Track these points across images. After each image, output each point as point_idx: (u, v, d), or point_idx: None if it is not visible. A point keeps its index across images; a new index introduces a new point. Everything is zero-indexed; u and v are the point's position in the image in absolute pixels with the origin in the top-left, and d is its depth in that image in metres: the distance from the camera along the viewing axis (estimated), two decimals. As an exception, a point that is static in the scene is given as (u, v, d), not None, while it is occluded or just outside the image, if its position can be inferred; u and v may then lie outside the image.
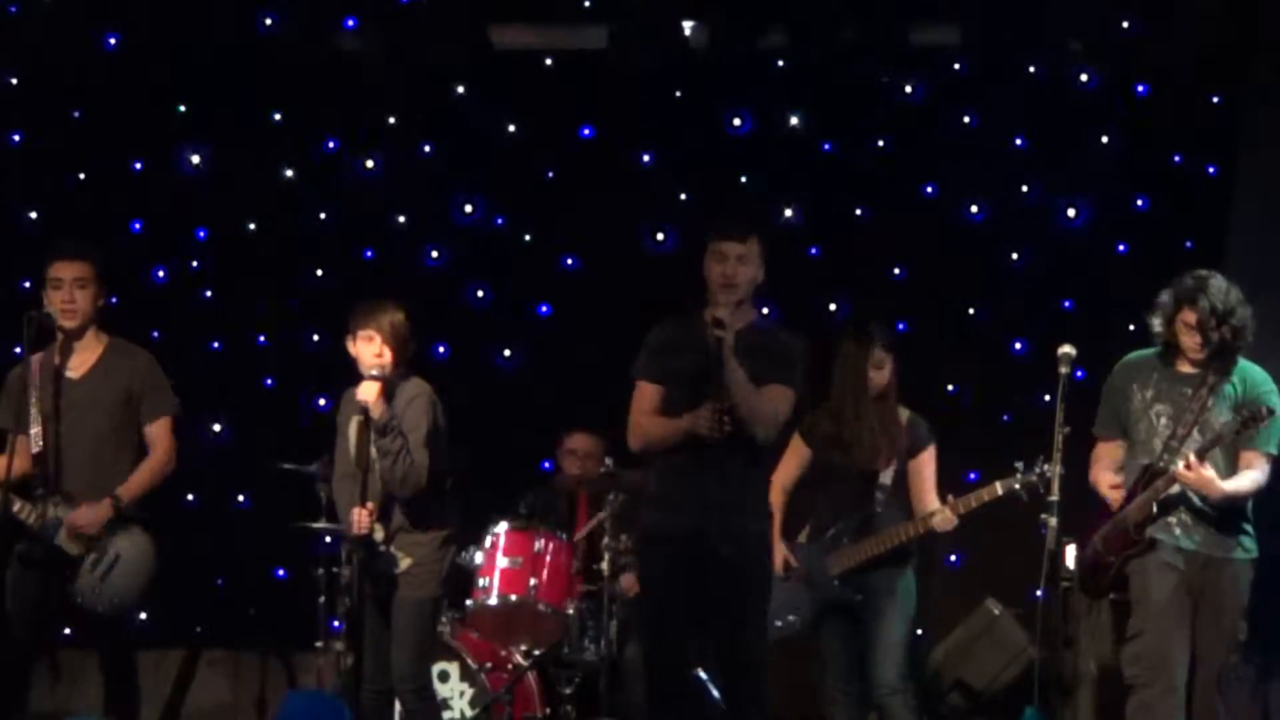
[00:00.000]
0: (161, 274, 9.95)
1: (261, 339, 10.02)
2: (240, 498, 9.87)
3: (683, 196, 9.89)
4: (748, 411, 6.38)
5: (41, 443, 7.12)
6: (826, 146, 9.83)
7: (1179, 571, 6.64)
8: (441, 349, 9.63)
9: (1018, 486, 7.18)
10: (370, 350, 7.01)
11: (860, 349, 7.42)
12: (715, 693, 7.91)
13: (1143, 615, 6.67)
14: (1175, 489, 6.59)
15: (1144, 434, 6.75)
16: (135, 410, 7.27)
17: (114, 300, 7.48)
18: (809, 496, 7.65)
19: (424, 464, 6.94)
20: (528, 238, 10.06)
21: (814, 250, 9.80)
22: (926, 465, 7.44)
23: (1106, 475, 6.80)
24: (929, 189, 9.79)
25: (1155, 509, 6.63)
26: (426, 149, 9.96)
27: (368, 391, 6.95)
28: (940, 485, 7.50)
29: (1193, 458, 6.49)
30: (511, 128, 9.95)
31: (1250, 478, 6.61)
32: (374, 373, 6.99)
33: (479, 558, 8.31)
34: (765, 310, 7.00)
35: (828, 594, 7.42)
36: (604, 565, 8.20)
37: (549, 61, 9.84)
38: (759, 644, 6.58)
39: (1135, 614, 6.72)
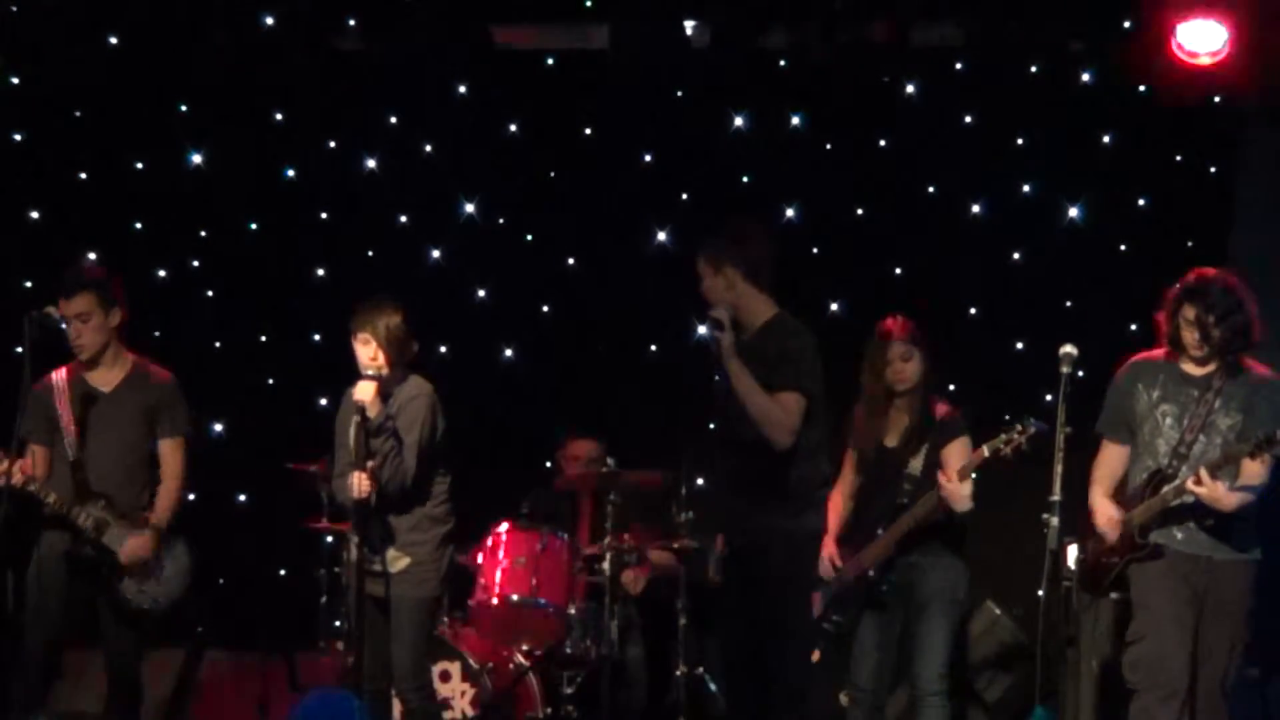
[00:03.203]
0: (162, 274, 9.96)
1: (262, 339, 10.03)
2: (240, 497, 9.88)
3: (683, 196, 9.90)
4: (755, 412, 6.42)
5: (77, 453, 7.35)
6: (827, 146, 9.84)
7: (1182, 576, 6.63)
8: (442, 349, 9.63)
9: (1002, 446, 7.15)
10: (366, 352, 7.04)
11: (879, 343, 7.43)
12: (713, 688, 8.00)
13: (1144, 620, 6.67)
14: (1184, 498, 6.59)
15: (1149, 434, 6.75)
16: (154, 426, 7.49)
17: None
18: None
19: (411, 466, 6.95)
20: (528, 238, 10.07)
21: (814, 250, 9.80)
22: (956, 454, 7.39)
23: (1106, 506, 6.79)
24: (929, 189, 9.80)
25: (1161, 515, 6.63)
26: (427, 149, 9.96)
27: (364, 392, 6.96)
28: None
29: (1204, 473, 6.49)
30: (512, 128, 9.96)
31: (1255, 483, 6.60)
32: (370, 373, 7.00)
33: (480, 557, 8.31)
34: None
35: (863, 587, 7.39)
36: (605, 565, 8.19)
37: (550, 61, 9.85)
38: (787, 644, 6.57)
39: (1136, 619, 6.71)
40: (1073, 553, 7.13)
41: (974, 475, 7.24)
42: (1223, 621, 6.63)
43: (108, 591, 7.35)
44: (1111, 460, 6.86)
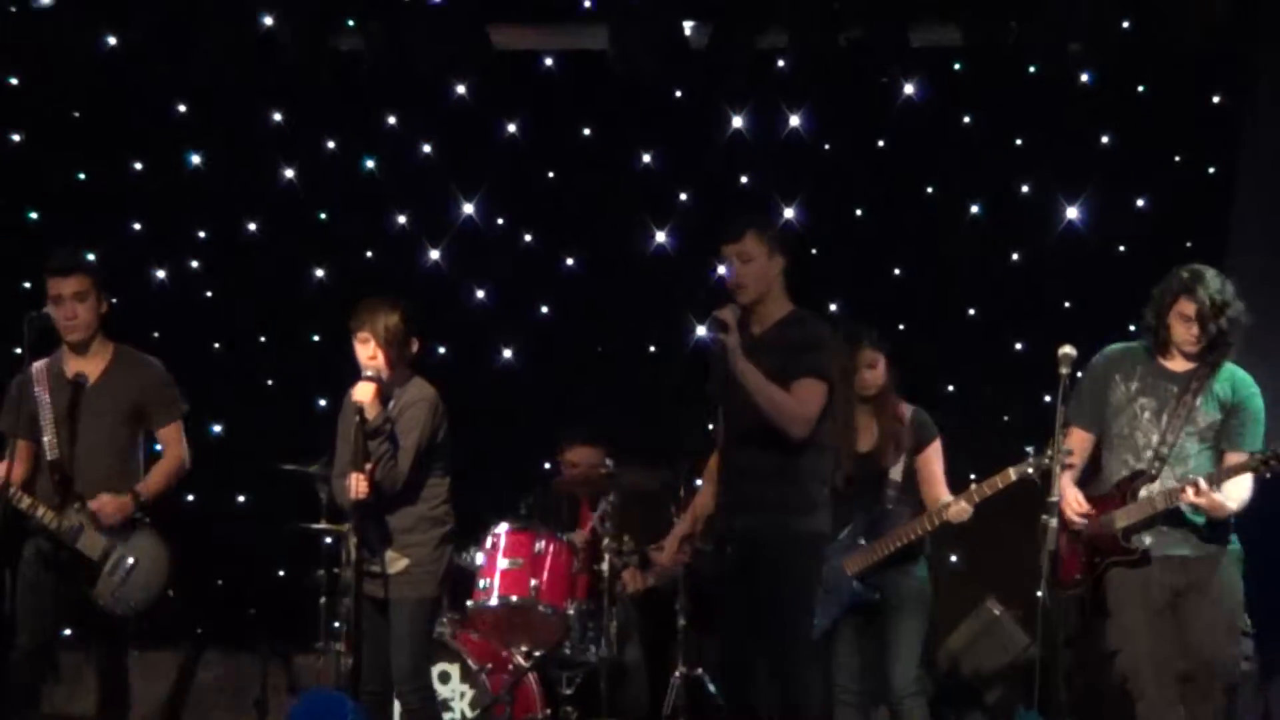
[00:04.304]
0: (161, 274, 9.97)
1: (261, 339, 10.03)
2: (240, 498, 9.88)
3: (683, 196, 9.90)
4: (768, 406, 6.38)
5: (56, 450, 7.22)
6: (826, 146, 9.84)
7: (1161, 581, 6.62)
8: (441, 349, 9.63)
9: (1030, 470, 7.15)
10: (365, 353, 7.02)
11: (848, 350, 7.40)
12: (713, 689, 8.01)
13: (1117, 633, 6.65)
14: (1175, 503, 6.58)
15: (1126, 428, 6.72)
16: (143, 419, 7.40)
17: (113, 300, 7.49)
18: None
19: (403, 471, 6.94)
20: (528, 238, 10.07)
21: (814, 250, 9.80)
22: (934, 459, 7.42)
23: (1075, 494, 6.75)
24: (929, 189, 9.79)
25: (1148, 519, 6.63)
26: (426, 149, 9.97)
27: (363, 392, 6.95)
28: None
29: (1203, 484, 6.48)
30: (511, 128, 9.96)
31: (1246, 484, 6.59)
32: (369, 374, 6.99)
33: (480, 558, 8.31)
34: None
35: (846, 596, 7.38)
36: (604, 566, 8.19)
37: (549, 61, 9.85)
38: (794, 645, 6.54)
39: (1110, 629, 6.69)
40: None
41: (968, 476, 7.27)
42: (1206, 609, 6.60)
43: (82, 595, 7.25)
44: (1079, 449, 6.81)
